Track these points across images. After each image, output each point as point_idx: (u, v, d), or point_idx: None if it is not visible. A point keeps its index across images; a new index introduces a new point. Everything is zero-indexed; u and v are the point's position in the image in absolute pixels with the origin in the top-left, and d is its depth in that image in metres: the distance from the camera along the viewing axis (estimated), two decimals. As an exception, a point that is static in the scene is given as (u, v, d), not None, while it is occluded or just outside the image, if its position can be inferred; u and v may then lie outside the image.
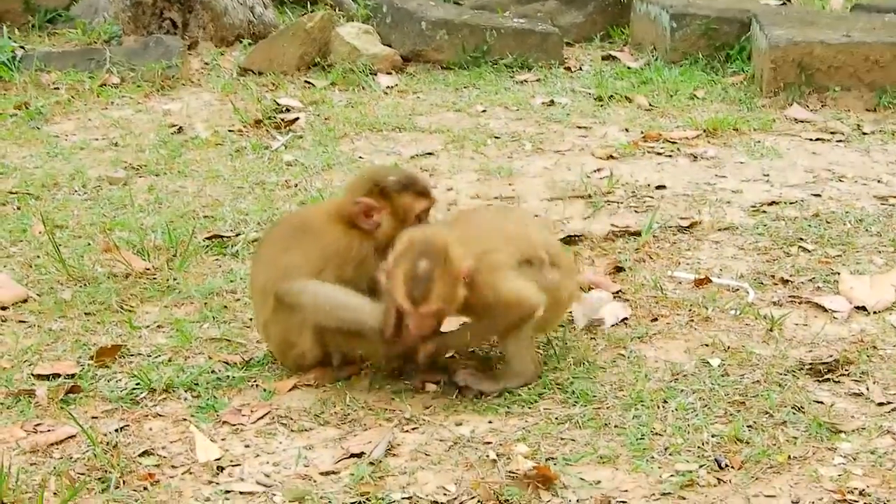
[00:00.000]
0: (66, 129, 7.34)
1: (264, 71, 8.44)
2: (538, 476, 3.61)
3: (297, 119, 7.36)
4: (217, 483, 3.64)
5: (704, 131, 7.09)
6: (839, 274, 5.07)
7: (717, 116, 7.28)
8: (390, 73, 8.47)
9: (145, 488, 3.59)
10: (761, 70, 7.93)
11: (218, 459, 3.75)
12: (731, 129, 7.12)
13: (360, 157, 6.75)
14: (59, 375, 4.24)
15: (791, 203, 5.93)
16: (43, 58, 8.34)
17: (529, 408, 4.05)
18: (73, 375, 4.24)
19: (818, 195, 6.05)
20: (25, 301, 4.88)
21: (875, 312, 4.78)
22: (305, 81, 8.29)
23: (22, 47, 8.62)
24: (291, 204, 5.94)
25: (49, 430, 3.90)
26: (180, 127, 7.28)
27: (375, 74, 8.41)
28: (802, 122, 7.37)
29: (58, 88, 7.99)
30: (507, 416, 4.01)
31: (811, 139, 7.05)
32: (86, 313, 4.76)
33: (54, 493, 3.50)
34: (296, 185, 6.24)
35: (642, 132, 7.14)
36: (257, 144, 6.93)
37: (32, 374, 4.27)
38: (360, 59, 8.48)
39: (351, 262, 4.25)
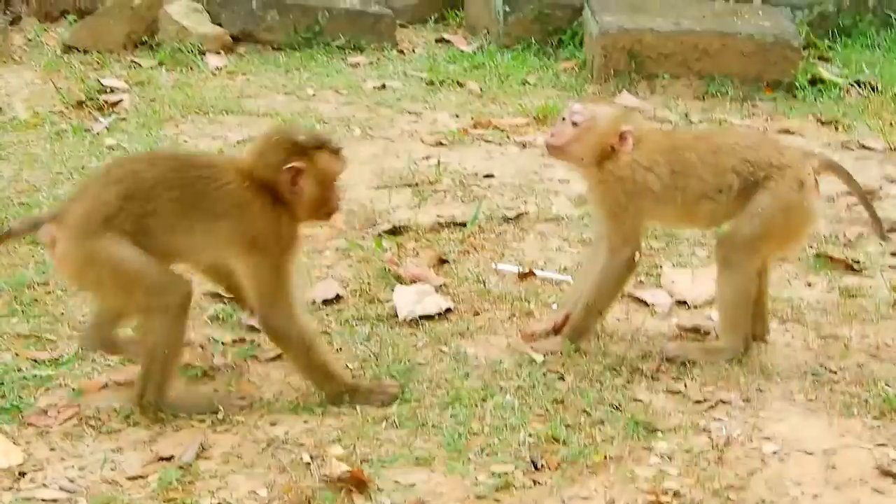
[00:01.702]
0: None
1: (89, 49, 8.22)
2: (352, 479, 3.56)
3: (121, 100, 7.18)
4: (18, 489, 3.52)
5: (535, 118, 7.10)
6: (662, 267, 5.09)
7: (548, 103, 7.28)
8: (219, 54, 8.32)
9: (-60, 496, 3.46)
10: (592, 56, 7.96)
11: (20, 465, 3.63)
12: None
13: (185, 141, 6.62)
14: None
15: (617, 194, 5.94)
16: None
17: (346, 407, 3.98)
18: None
19: (644, 186, 6.07)
20: None
21: (696, 307, 4.80)
22: (132, 61, 8.10)
23: None
24: (111, 190, 5.78)
25: None
26: (-1, 106, 7.06)
27: (204, 55, 8.25)
28: (632, 109, 7.41)
29: None
30: (323, 416, 3.94)
31: (640, 127, 7.08)
32: None
33: None
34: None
35: (473, 118, 7.12)
36: (79, 127, 6.74)
37: None
38: (189, 39, 8.31)
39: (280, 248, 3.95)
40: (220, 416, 3.90)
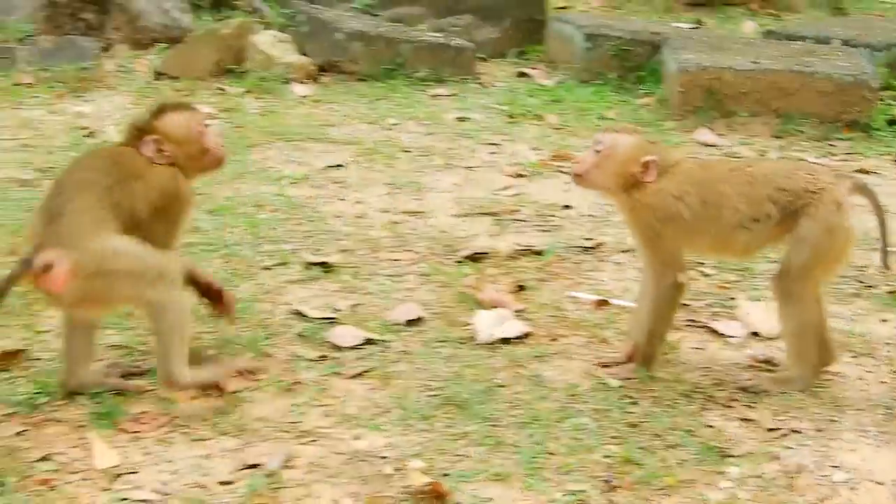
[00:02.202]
0: (-25, 128, 7.32)
1: (179, 76, 8.46)
2: (432, 492, 3.67)
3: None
4: (113, 490, 3.66)
5: (612, 153, 7.20)
6: (736, 299, 5.18)
7: (626, 138, 7.39)
8: (305, 83, 8.53)
9: (41, 494, 3.60)
10: (671, 93, 8.08)
11: (115, 466, 3.77)
12: (639, 152, 7.24)
13: (271, 167, 6.79)
14: (-42, 379, 4.25)
15: (693, 227, 6.04)
16: (-47, 55, 8.31)
17: (427, 424, 4.11)
18: (-29, 379, 4.25)
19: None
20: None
21: (769, 338, 4.89)
22: (219, 88, 8.33)
23: (-66, 44, 8.57)
24: (200, 212, 5.96)
25: (-56, 434, 3.92)
26: (92, 130, 7.27)
27: (290, 83, 8.45)
28: (709, 146, 7.53)
29: (-30, 86, 7.96)
30: (404, 431, 4.06)
31: (716, 164, 7.19)
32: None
33: (-55, 498, 3.52)
34: (205, 194, 6.25)
35: (552, 151, 7.24)
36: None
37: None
38: (275, 68, 8.53)
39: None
40: (304, 428, 4.03)
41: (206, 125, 4.51)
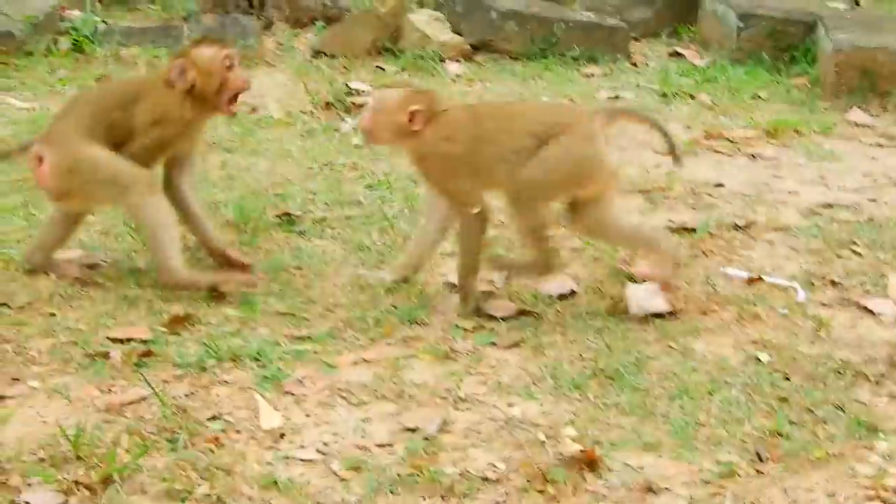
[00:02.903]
0: (142, 103, 7.54)
1: (336, 54, 8.62)
2: (584, 459, 3.78)
3: (366, 103, 7.51)
4: (278, 449, 3.82)
5: (765, 131, 7.23)
6: (888, 278, 5.20)
7: (779, 117, 7.42)
8: (459, 62, 8.65)
9: (211, 450, 3.77)
10: (824, 73, 8.05)
11: (279, 427, 3.94)
12: (792, 131, 7.26)
13: (426, 143, 6.91)
14: (132, 340, 4.44)
15: (846, 206, 6.07)
16: (123, 33, 8.55)
17: (579, 393, 4.21)
18: (145, 341, 4.44)
19: (874, 200, 6.18)
20: (95, 266, 5.12)
21: (921, 317, 4.91)
22: (376, 66, 8.48)
23: (104, 21, 8.82)
24: (358, 186, 6.12)
25: (122, 391, 4.11)
26: (254, 106, 7.47)
27: (444, 62, 8.58)
28: (863, 126, 7.49)
29: (136, 64, 8.21)
30: (556, 400, 4.17)
31: (870, 144, 7.18)
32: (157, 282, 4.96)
33: (126, 451, 3.70)
34: (362, 168, 6.42)
35: (704, 130, 7.27)
36: (327, 126, 7.13)
37: (108, 338, 4.46)
38: (430, 46, 8.65)
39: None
40: (460, 394, 4.17)
41: (236, 65, 5.00)
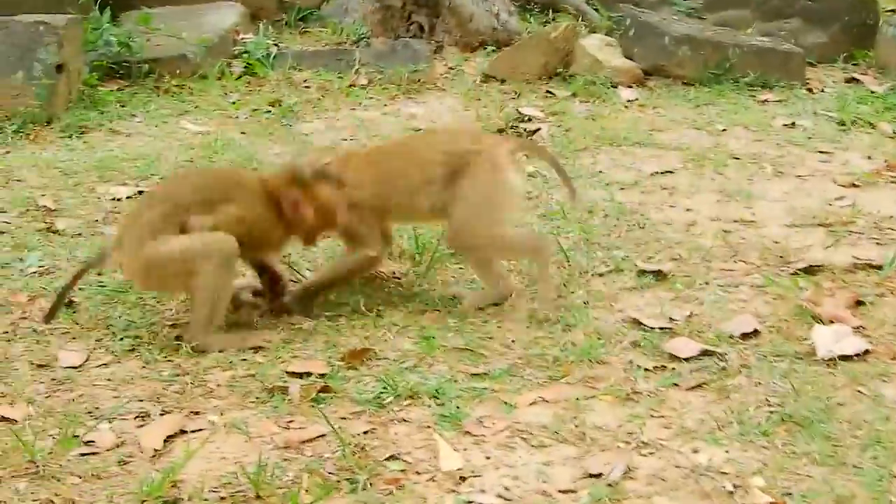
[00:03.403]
0: (315, 128, 7.59)
1: (507, 78, 8.58)
2: (774, 511, 3.65)
3: (538, 129, 7.47)
4: (459, 493, 3.74)
5: (955, 163, 7.00)
6: None
7: (969, 148, 7.18)
8: (631, 87, 8.54)
9: (391, 492, 3.71)
10: None
11: (459, 469, 3.86)
12: (980, 162, 7.02)
13: (600, 171, 6.82)
14: (310, 374, 4.41)
15: None
16: (295, 56, 8.62)
17: (766, 440, 4.07)
18: (323, 375, 4.41)
19: None
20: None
21: None
22: (547, 91, 8.41)
23: (276, 45, 8.90)
24: (532, 216, 6.04)
25: (301, 428, 4.07)
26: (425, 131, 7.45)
27: (616, 87, 8.49)
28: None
29: (308, 87, 8.27)
30: (743, 447, 4.03)
31: None
32: (335, 315, 4.93)
33: (306, 491, 3.65)
34: (536, 197, 6.34)
35: (885, 161, 7.06)
36: (499, 153, 7.05)
37: (286, 371, 4.44)
38: (602, 72, 8.56)
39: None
40: (643, 439, 4.05)
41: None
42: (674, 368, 4.55)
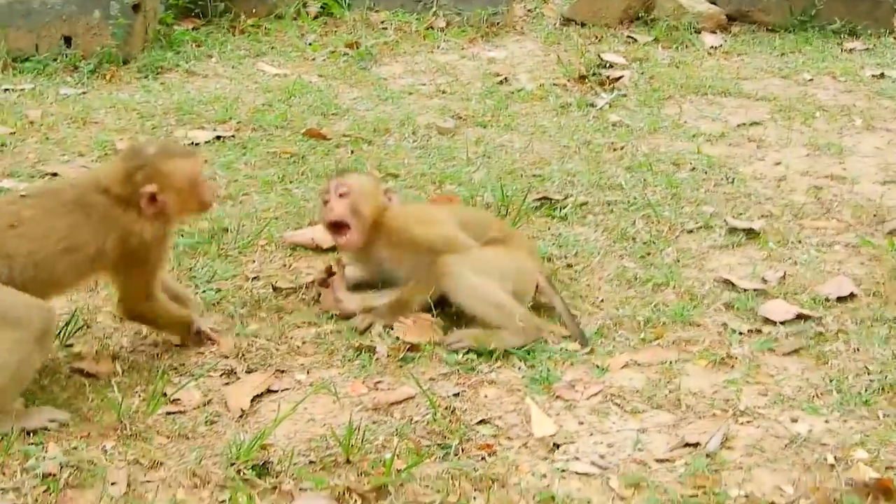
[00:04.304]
0: (393, 72, 7.48)
1: (587, 22, 8.42)
2: (879, 487, 3.51)
3: (621, 77, 7.32)
4: (553, 460, 3.64)
5: None
6: None
7: None
8: (714, 33, 8.37)
9: (483, 458, 3.62)
10: None
11: (553, 435, 3.76)
12: None
13: (685, 122, 6.67)
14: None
15: None
16: (372, -4, 8.50)
17: (867, 410, 3.94)
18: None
19: None
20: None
21: None
22: (628, 36, 8.25)
23: (352, -15, 8.79)
24: (618, 168, 5.91)
25: (390, 389, 3.98)
26: (505, 77, 7.32)
27: (699, 33, 8.32)
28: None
29: (385, 29, 8.15)
30: (843, 417, 3.90)
31: None
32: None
33: (397, 456, 3.56)
34: (622, 148, 6.21)
35: (978, 111, 6.88)
36: (582, 101, 6.93)
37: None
38: (685, 17, 8.39)
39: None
40: (741, 407, 3.93)
41: (203, 174, 4.25)
42: (769, 332, 4.41)
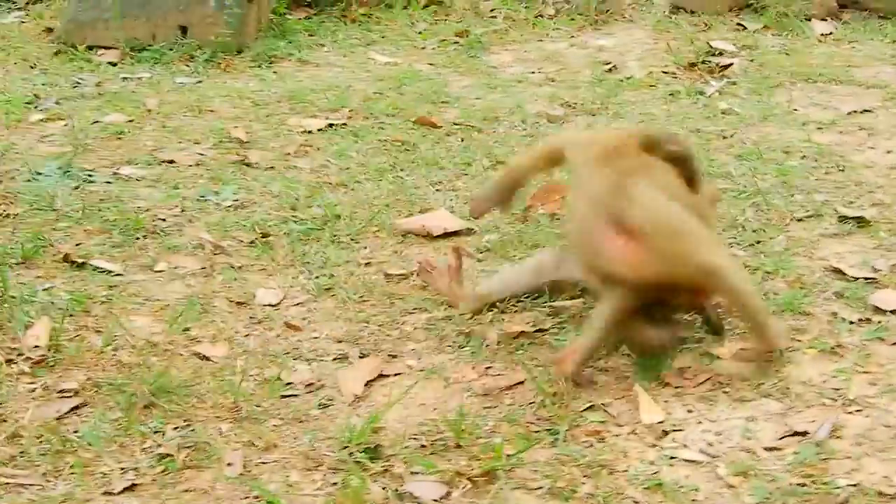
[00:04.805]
0: (503, 61, 7.52)
1: (696, 10, 8.40)
2: None
3: (731, 64, 7.30)
4: (661, 447, 3.67)
5: None
6: None
7: None
8: (825, 20, 8.29)
9: (591, 445, 3.66)
10: None
11: (660, 422, 3.78)
12: None
13: (795, 110, 6.65)
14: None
15: None
16: (481, -15, 8.55)
17: (978, 401, 3.92)
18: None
19: None
20: (460, 234, 5.08)
21: None
22: (738, 24, 8.22)
23: (459, -28, 8.84)
24: (727, 155, 5.91)
25: (499, 375, 4.03)
26: (614, 65, 7.33)
27: (809, 20, 8.25)
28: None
29: (495, 17, 8.20)
30: (955, 407, 3.89)
31: None
32: (529, 256, 4.86)
33: (507, 441, 3.62)
34: (731, 136, 6.20)
35: None
36: (691, 89, 6.92)
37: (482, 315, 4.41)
38: (795, 4, 8.32)
39: None
40: (850, 396, 3.93)
41: None
42: (879, 322, 4.39)
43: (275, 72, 7.31)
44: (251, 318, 4.42)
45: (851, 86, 7.07)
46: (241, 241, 4.97)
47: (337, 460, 3.56)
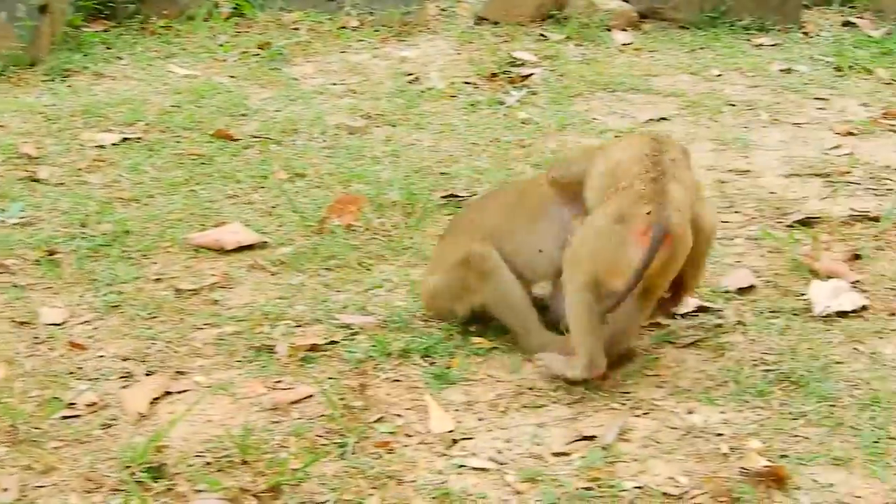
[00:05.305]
0: (305, 72, 7.47)
1: (500, 20, 8.46)
2: (771, 475, 3.56)
3: (532, 74, 7.36)
4: (450, 456, 3.66)
5: (953, 111, 6.89)
6: None
7: (966, 95, 7.06)
8: (626, 30, 8.43)
9: (380, 456, 3.63)
10: None
11: (451, 431, 3.78)
12: (981, 108, 6.91)
13: (594, 119, 6.72)
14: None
15: None
16: (285, -3, 8.49)
17: (762, 400, 3.98)
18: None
19: None
20: (254, 247, 5.02)
21: None
22: (540, 34, 8.29)
23: (265, -15, 8.78)
24: (525, 165, 5.94)
25: (289, 388, 3.98)
26: (416, 76, 7.33)
27: (610, 30, 8.37)
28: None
29: (297, 29, 8.16)
30: (739, 407, 3.95)
31: None
32: (324, 268, 4.83)
33: (294, 456, 3.57)
34: (530, 145, 6.24)
35: (883, 108, 6.95)
36: (492, 99, 6.96)
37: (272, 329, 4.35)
38: (597, 14, 8.45)
39: None
40: (637, 399, 3.96)
41: None
42: (668, 325, 4.45)
43: (69, 85, 7.15)
44: (34, 338, 4.30)
45: (650, 94, 7.18)
46: (26, 260, 4.85)
47: (118, 481, 3.48)
